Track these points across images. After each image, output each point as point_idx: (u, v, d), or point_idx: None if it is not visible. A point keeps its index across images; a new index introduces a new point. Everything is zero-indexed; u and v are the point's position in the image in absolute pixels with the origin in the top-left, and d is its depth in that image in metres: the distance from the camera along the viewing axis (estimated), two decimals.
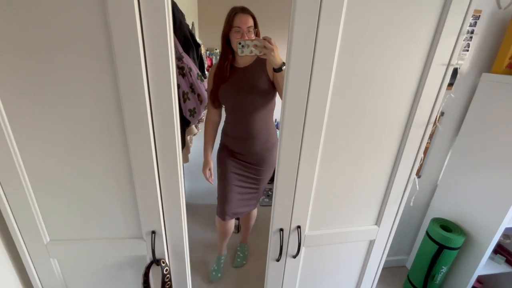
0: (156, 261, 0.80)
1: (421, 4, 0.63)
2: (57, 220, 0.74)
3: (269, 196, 2.73)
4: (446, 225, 1.55)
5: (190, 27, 1.96)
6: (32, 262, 0.77)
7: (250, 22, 1.18)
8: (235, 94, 1.28)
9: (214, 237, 2.06)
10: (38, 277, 0.80)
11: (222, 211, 1.50)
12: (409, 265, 1.92)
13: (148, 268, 0.81)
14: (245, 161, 1.44)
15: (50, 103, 0.60)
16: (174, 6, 1.39)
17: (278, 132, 0.89)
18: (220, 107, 1.44)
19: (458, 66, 0.69)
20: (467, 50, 1.36)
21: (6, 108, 0.60)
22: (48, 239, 0.76)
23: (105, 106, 0.62)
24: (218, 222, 1.61)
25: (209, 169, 1.51)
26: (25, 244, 0.75)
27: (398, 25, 0.64)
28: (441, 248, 1.49)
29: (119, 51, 0.56)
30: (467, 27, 0.65)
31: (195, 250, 1.93)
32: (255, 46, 1.01)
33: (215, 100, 1.37)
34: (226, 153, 1.47)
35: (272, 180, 3.07)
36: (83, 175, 0.69)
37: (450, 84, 1.43)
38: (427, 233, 1.59)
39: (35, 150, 0.65)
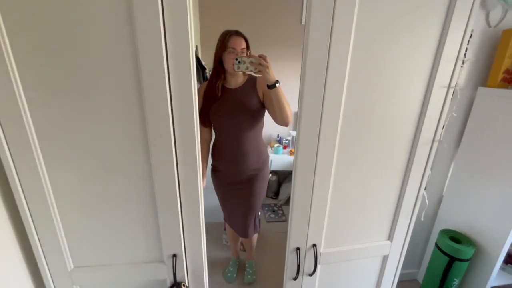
0: (177, 285, 0.81)
1: (420, 34, 0.69)
2: (82, 246, 0.76)
3: (275, 212, 2.73)
4: (455, 237, 1.56)
5: (195, 51, 2.05)
6: None
7: (244, 44, 1.24)
8: (227, 114, 1.32)
9: (222, 255, 2.05)
10: None
11: (227, 218, 1.67)
12: (420, 278, 1.90)
13: None
14: (239, 181, 1.46)
15: (80, 131, 0.64)
16: None
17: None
18: (211, 126, 1.44)
19: (457, 88, 0.74)
20: (462, 66, 1.42)
21: (38, 134, 0.63)
22: (72, 266, 0.78)
23: (131, 134, 0.66)
24: (226, 226, 1.75)
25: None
26: (49, 271, 0.76)
27: (401, 53, 0.70)
28: (452, 260, 1.50)
29: (148, 87, 0.61)
30: (463, 53, 0.71)
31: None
32: (251, 63, 1.07)
33: (205, 119, 1.37)
34: (220, 178, 1.51)
35: (276, 195, 3.05)
36: (108, 201, 0.72)
37: None
38: (436, 245, 1.60)
39: (63, 175, 0.68)
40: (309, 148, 0.74)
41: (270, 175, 2.93)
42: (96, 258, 0.78)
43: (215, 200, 2.27)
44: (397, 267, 1.00)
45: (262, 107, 1.32)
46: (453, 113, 0.90)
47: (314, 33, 0.63)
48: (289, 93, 1.32)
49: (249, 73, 1.18)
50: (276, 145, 2.91)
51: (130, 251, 0.79)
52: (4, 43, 0.55)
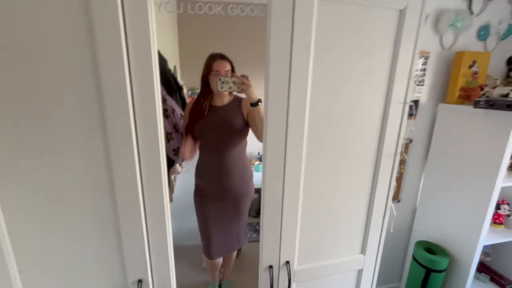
0: None
1: (375, 60, 0.76)
2: (38, 279, 0.70)
3: (257, 231, 2.68)
4: (431, 248, 1.59)
5: (173, 70, 2.07)
6: None
7: (228, 67, 1.29)
8: (211, 130, 1.34)
9: (202, 278, 1.95)
10: None
11: (208, 252, 1.52)
12: None
13: None
14: (223, 200, 1.44)
15: (37, 162, 0.62)
16: (158, 55, 1.50)
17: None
18: (196, 140, 1.44)
19: (411, 104, 0.80)
20: (423, 85, 1.54)
21: None
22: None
23: (91, 153, 0.64)
24: (205, 260, 1.63)
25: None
26: None
27: (360, 77, 0.76)
28: (429, 271, 1.52)
29: (109, 100, 0.60)
30: (414, 73, 0.77)
31: None
32: (234, 82, 1.12)
33: (192, 135, 1.39)
34: (204, 198, 1.48)
35: (257, 214, 3.02)
36: (65, 223, 0.68)
37: (412, 115, 1.59)
38: (413, 257, 1.62)
39: (18, 205, 0.64)
40: (276, 164, 0.75)
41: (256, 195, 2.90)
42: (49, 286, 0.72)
43: (193, 223, 2.20)
44: (372, 280, 0.99)
45: (246, 125, 1.36)
46: (412, 127, 0.95)
47: (275, 50, 0.66)
48: None
49: (233, 92, 1.24)
50: (257, 163, 2.92)
51: (90, 277, 0.73)
52: None
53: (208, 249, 1.51)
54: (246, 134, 1.40)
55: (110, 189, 0.66)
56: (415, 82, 0.80)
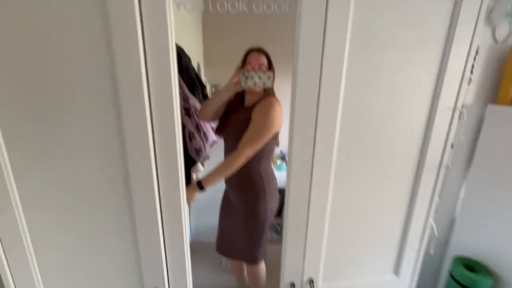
0: None
1: (421, 54, 0.65)
2: (56, 281, 0.70)
3: (278, 232, 2.63)
4: (471, 265, 1.43)
5: (196, 68, 2.06)
6: None
7: (262, 60, 1.18)
8: (223, 132, 1.32)
9: (221, 277, 1.95)
10: None
11: (216, 243, 1.57)
12: None
13: None
14: (232, 205, 1.43)
15: (56, 165, 0.61)
16: (181, 52, 1.47)
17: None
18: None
19: (464, 110, 0.69)
20: (470, 84, 1.36)
21: (14, 172, 0.60)
22: None
23: (109, 156, 0.62)
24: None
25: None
26: None
27: (402, 74, 0.65)
28: None
29: (125, 97, 0.57)
30: (469, 74, 0.66)
31: None
32: (259, 78, 1.02)
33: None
34: (225, 191, 1.50)
35: (279, 214, 2.95)
36: (84, 233, 0.67)
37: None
38: (451, 275, 1.47)
39: (39, 209, 0.64)
40: (302, 170, 0.68)
41: None
42: None
43: (212, 218, 2.21)
44: None
45: None
46: (462, 136, 0.83)
47: (305, 52, 0.59)
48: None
49: (258, 88, 1.13)
50: (279, 162, 2.85)
51: (110, 284, 0.73)
52: None
53: (216, 241, 1.56)
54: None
55: (127, 191, 0.64)
56: (469, 83, 0.68)
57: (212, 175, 1.16)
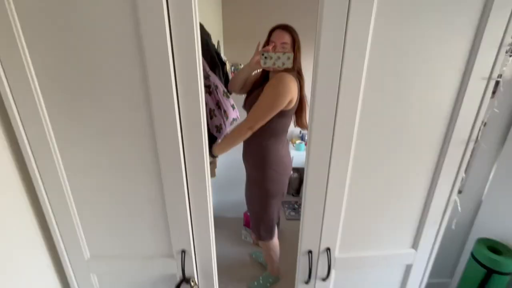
0: (186, 280, 0.81)
1: (457, 18, 0.60)
2: (97, 237, 0.79)
3: (295, 210, 2.68)
4: (495, 247, 1.40)
5: (216, 45, 2.04)
6: (75, 277, 0.83)
7: (286, 39, 1.16)
8: (248, 101, 1.35)
9: (240, 249, 2.06)
10: None
11: None
12: None
13: (178, 286, 0.83)
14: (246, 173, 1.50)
15: (95, 133, 0.66)
16: (201, 29, 1.47)
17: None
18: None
19: (500, 79, 0.64)
20: (511, 55, 1.25)
21: (57, 141, 0.67)
22: (89, 255, 0.81)
23: (140, 133, 0.66)
24: None
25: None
26: (69, 260, 0.80)
27: (432, 38, 0.61)
28: (490, 272, 1.35)
29: (153, 77, 0.60)
30: (509, 39, 0.61)
31: (221, 264, 1.94)
32: (278, 58, 1.03)
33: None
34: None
35: (297, 192, 2.98)
36: (120, 195, 0.74)
37: (492, 93, 1.32)
38: (472, 255, 1.45)
39: (80, 175, 0.71)
40: (322, 144, 0.69)
41: (291, 172, 2.87)
42: (110, 249, 0.81)
43: (234, 195, 2.29)
44: (423, 278, 0.91)
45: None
46: (495, 109, 0.78)
47: (327, 23, 0.57)
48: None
49: (278, 68, 1.12)
50: (298, 142, 2.84)
51: (141, 245, 0.80)
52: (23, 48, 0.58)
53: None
54: (274, 117, 1.23)
55: (156, 164, 0.69)
56: (507, 52, 0.63)
57: (220, 144, 1.25)
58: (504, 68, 1.26)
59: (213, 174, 1.70)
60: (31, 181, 0.70)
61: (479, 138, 0.71)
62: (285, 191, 1.47)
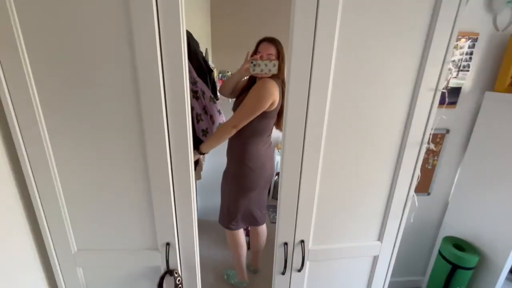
0: (169, 272, 0.86)
1: (405, 39, 0.71)
2: (84, 230, 0.83)
3: None
4: (460, 244, 1.52)
5: (204, 53, 2.13)
6: (61, 270, 0.86)
7: (272, 50, 1.30)
8: (236, 104, 1.44)
9: (224, 254, 2.10)
10: (65, 286, 0.88)
11: None
12: (424, 286, 1.86)
13: (162, 278, 0.88)
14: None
15: (84, 126, 0.72)
16: (190, 37, 1.55)
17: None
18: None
19: (444, 90, 0.75)
20: (468, 70, 1.40)
21: (49, 134, 0.72)
22: (76, 249, 0.85)
23: (128, 128, 0.72)
24: None
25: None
26: (56, 254, 0.84)
27: (386, 57, 0.72)
28: (455, 267, 1.46)
29: (144, 83, 0.67)
30: (450, 58, 0.72)
31: (205, 264, 1.97)
32: (265, 65, 1.17)
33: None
34: None
35: None
36: (108, 190, 0.79)
37: (453, 103, 1.47)
38: (439, 252, 1.57)
39: (70, 170, 0.76)
40: (295, 145, 0.77)
41: (276, 177, 2.95)
42: (97, 243, 0.85)
43: (218, 199, 2.32)
44: (388, 268, 1.00)
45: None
46: (443, 116, 0.90)
47: (298, 37, 0.67)
48: None
49: (265, 74, 1.26)
50: None
51: (127, 238, 0.85)
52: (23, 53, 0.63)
53: None
54: (256, 118, 1.35)
55: (143, 160, 0.75)
56: (457, 67, 0.74)
57: (207, 141, 1.34)
58: (463, 81, 1.40)
59: (198, 176, 1.75)
60: (22, 174, 0.74)
61: (429, 141, 0.82)
62: (257, 189, 1.51)
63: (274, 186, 2.97)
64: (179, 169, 0.77)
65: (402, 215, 0.91)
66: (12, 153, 0.73)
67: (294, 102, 0.73)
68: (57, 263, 0.85)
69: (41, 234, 0.81)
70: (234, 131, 1.30)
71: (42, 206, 0.78)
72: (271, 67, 1.20)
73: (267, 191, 1.70)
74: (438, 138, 1.53)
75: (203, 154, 1.36)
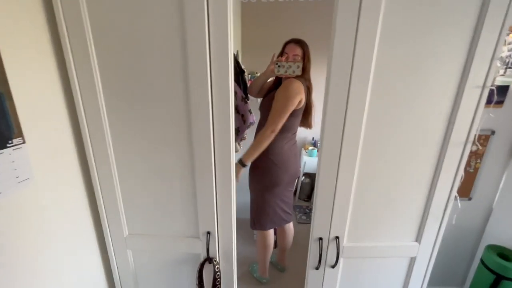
0: (209, 260, 0.92)
1: (452, 33, 0.70)
2: (135, 217, 0.92)
3: (306, 214, 2.74)
4: (504, 253, 1.42)
5: (236, 54, 2.20)
6: (114, 251, 0.96)
7: (297, 51, 1.34)
8: (262, 104, 1.51)
9: (252, 251, 2.14)
10: (117, 265, 0.98)
11: None
12: None
13: (202, 265, 0.94)
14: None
15: (138, 117, 0.80)
16: None
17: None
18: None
19: (493, 87, 0.73)
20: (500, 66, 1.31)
21: (112, 131, 0.81)
22: (127, 233, 0.94)
23: (178, 123, 0.79)
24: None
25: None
26: (111, 237, 0.94)
27: (431, 51, 0.71)
28: (499, 278, 1.37)
29: (194, 87, 0.73)
30: (500, 54, 0.70)
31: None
32: (289, 67, 1.22)
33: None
34: None
35: (308, 198, 3.03)
36: (158, 180, 0.87)
37: (500, 102, 1.38)
38: (482, 261, 1.47)
39: (125, 157, 0.85)
40: (333, 140, 0.79)
41: (303, 177, 2.95)
42: (146, 228, 0.93)
43: (246, 196, 2.39)
44: (426, 271, 0.97)
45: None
46: (490, 114, 0.86)
47: (340, 31, 0.69)
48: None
49: (289, 75, 1.30)
50: (310, 148, 2.92)
51: (172, 226, 0.92)
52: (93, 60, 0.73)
53: None
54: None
55: (190, 154, 0.82)
56: (504, 64, 0.72)
57: (248, 152, 1.36)
58: (510, 79, 1.32)
59: (237, 179, 1.81)
60: (88, 171, 0.85)
61: (475, 140, 0.79)
62: (282, 185, 1.53)
63: (300, 187, 2.97)
64: (222, 162, 0.82)
65: (443, 216, 0.88)
66: (81, 154, 0.85)
67: (333, 98, 0.75)
68: (111, 245, 0.95)
69: (100, 218, 0.91)
70: (273, 135, 1.33)
71: (102, 195, 0.87)
72: (295, 68, 1.25)
73: (293, 190, 1.72)
74: (482, 140, 1.44)
75: (245, 166, 1.37)
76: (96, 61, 0.74)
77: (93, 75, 0.75)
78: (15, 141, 0.61)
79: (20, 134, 0.62)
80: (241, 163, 1.35)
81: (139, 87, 0.76)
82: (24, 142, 0.63)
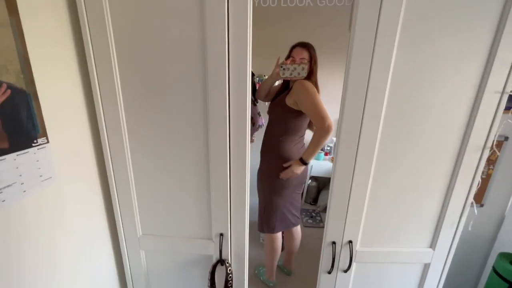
0: (221, 261, 0.93)
1: (470, 38, 0.70)
2: (149, 217, 0.93)
3: (312, 218, 2.72)
4: None
5: None
6: (127, 251, 0.97)
7: (304, 55, 1.35)
8: (271, 106, 1.51)
9: (258, 253, 2.13)
10: (129, 265, 0.99)
11: None
12: None
13: (214, 267, 0.94)
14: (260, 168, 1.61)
15: (157, 127, 0.81)
16: None
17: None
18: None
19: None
20: None
21: (129, 133, 0.82)
22: (141, 233, 0.95)
23: (195, 126, 0.80)
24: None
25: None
26: (124, 237, 0.94)
27: (449, 56, 0.71)
28: (511, 286, 1.34)
29: (212, 91, 0.74)
30: None
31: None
32: (294, 69, 1.23)
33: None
34: None
35: (314, 201, 3.00)
36: (173, 182, 0.87)
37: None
38: (493, 269, 1.45)
39: (141, 158, 0.86)
40: (349, 146, 0.79)
41: (310, 181, 2.94)
42: (159, 229, 0.94)
43: (253, 199, 2.38)
44: (440, 278, 0.96)
45: (289, 112, 1.38)
46: (509, 120, 0.85)
47: (359, 37, 0.69)
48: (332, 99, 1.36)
49: (294, 78, 1.30)
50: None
51: (186, 227, 0.93)
52: (115, 64, 0.74)
53: None
54: (287, 119, 1.41)
55: (205, 155, 0.82)
56: None
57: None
58: None
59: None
60: (105, 172, 0.87)
61: (494, 145, 0.78)
62: (290, 188, 1.52)
63: (307, 190, 2.96)
64: (237, 165, 0.83)
65: (459, 222, 0.87)
66: (99, 154, 0.86)
67: (350, 101, 0.75)
68: (125, 244, 0.96)
69: (114, 218, 0.92)
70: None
71: (117, 195, 0.89)
72: (300, 70, 1.26)
73: (301, 193, 1.71)
74: (494, 143, 1.42)
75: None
76: (116, 64, 0.76)
77: (113, 76, 0.76)
78: (39, 140, 0.62)
79: (44, 134, 0.64)
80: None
81: (158, 89, 0.78)
82: (48, 142, 0.65)
